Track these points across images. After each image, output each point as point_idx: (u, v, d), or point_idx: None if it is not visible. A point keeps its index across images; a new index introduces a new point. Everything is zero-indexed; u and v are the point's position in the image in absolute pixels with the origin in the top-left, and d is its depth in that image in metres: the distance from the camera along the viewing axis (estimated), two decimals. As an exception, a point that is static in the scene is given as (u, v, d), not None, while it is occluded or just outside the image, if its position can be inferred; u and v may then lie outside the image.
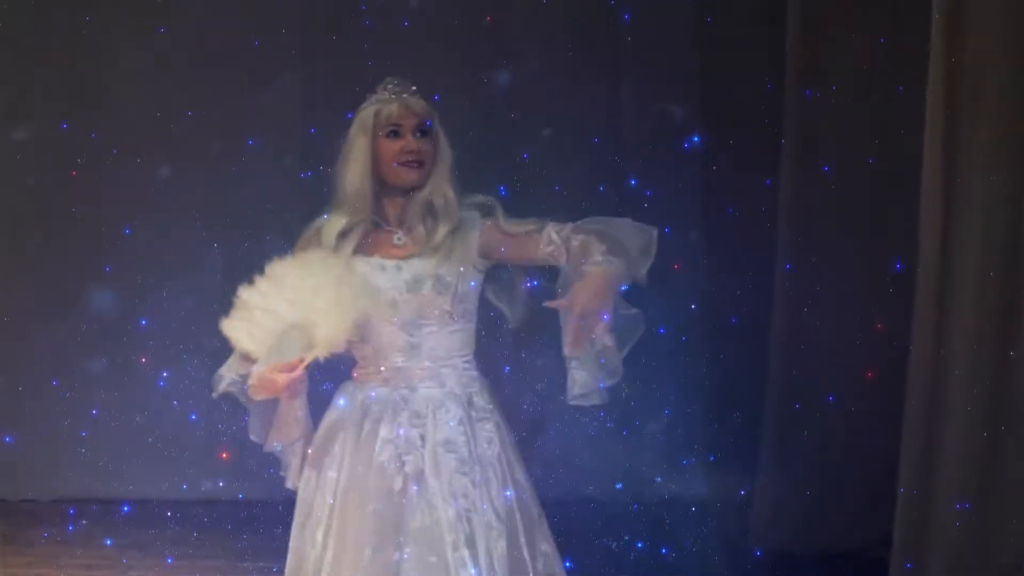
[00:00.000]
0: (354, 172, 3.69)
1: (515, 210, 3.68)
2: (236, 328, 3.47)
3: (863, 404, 5.17)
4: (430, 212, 3.67)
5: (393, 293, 3.63)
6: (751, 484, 5.72)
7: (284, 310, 3.50)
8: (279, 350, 3.41)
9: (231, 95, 6.39)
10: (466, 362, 3.70)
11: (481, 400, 3.68)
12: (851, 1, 5.32)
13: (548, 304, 3.52)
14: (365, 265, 3.64)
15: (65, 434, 6.47)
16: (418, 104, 3.69)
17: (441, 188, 3.66)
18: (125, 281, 6.39)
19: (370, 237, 3.69)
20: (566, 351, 3.47)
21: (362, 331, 3.62)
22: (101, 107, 6.40)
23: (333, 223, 3.70)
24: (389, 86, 3.73)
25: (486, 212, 3.70)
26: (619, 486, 6.25)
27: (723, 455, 6.02)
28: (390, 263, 3.66)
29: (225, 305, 3.46)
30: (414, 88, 3.71)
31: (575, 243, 3.57)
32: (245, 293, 3.54)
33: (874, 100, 5.19)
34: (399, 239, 3.67)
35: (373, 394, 3.64)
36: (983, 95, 4.06)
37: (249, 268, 6.32)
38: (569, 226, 3.61)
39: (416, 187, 3.67)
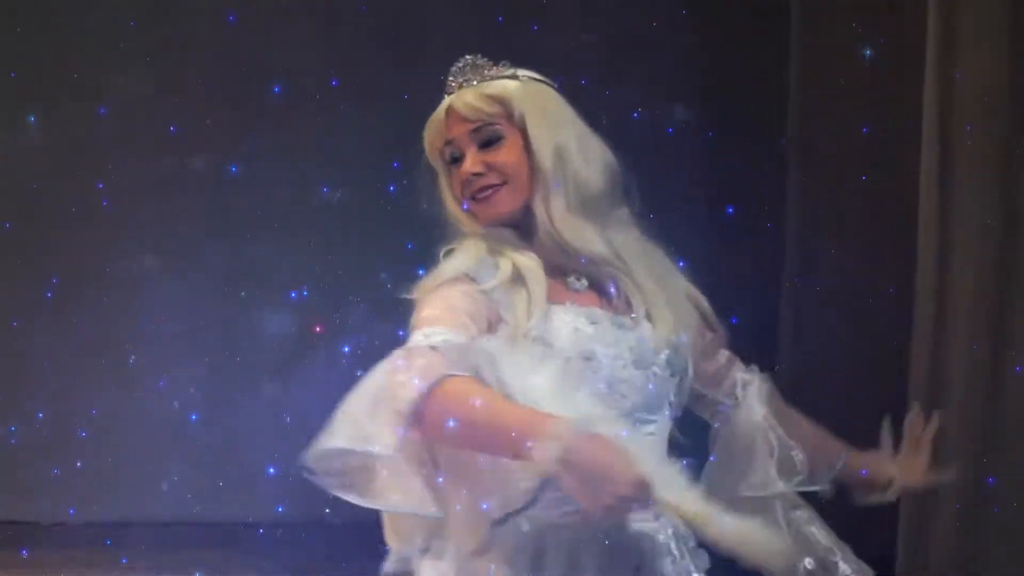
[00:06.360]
0: (456, 215, 2.57)
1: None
2: None
3: (866, 418, 5.11)
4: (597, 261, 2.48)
5: (613, 365, 2.41)
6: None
7: None
8: None
9: (231, 94, 6.34)
10: None
11: (693, 539, 2.49)
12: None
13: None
14: (563, 313, 2.43)
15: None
16: (471, 99, 2.52)
17: (563, 219, 2.45)
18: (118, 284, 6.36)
19: None
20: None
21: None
22: (100, 106, 6.37)
23: (535, 261, 2.46)
24: (450, 77, 2.59)
25: None
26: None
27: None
28: (599, 313, 2.46)
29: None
30: (489, 71, 2.57)
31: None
32: None
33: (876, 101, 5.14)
34: (578, 280, 2.50)
35: (547, 529, 2.37)
36: (977, 110, 4.04)
37: (249, 270, 6.30)
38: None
39: (511, 219, 2.51)
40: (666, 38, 6.14)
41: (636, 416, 2.42)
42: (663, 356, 2.46)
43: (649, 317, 2.48)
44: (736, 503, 2.48)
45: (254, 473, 5.44)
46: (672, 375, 2.48)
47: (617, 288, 2.50)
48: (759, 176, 5.63)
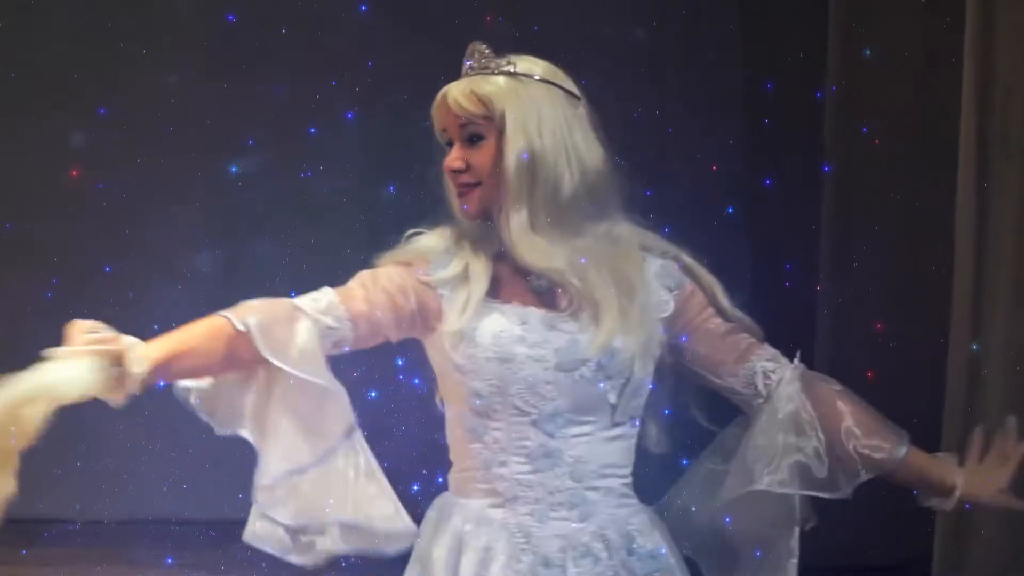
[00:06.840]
0: (451, 199, 2.59)
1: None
2: None
3: (907, 414, 5.10)
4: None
5: (534, 367, 2.45)
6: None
7: None
8: None
9: (231, 94, 6.35)
10: (624, 484, 2.53)
11: (648, 543, 2.54)
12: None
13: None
14: (496, 314, 2.49)
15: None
16: (457, 95, 2.51)
17: (519, 236, 2.46)
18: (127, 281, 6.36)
19: (497, 271, 2.53)
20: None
21: (467, 410, 2.47)
22: (100, 107, 6.37)
23: (481, 260, 2.52)
24: (464, 63, 2.58)
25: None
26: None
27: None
28: (535, 315, 2.49)
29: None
30: (492, 63, 2.54)
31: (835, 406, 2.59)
32: None
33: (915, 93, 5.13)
34: (538, 281, 2.50)
35: (473, 519, 2.48)
36: (1015, 108, 4.00)
37: (249, 270, 6.28)
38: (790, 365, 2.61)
39: (488, 216, 2.52)
40: (706, 42, 6.13)
41: (567, 417, 2.46)
42: (595, 360, 2.46)
43: (596, 321, 2.47)
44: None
45: (254, 473, 5.42)
46: (608, 378, 2.47)
47: (569, 292, 2.50)
48: (794, 183, 5.61)
